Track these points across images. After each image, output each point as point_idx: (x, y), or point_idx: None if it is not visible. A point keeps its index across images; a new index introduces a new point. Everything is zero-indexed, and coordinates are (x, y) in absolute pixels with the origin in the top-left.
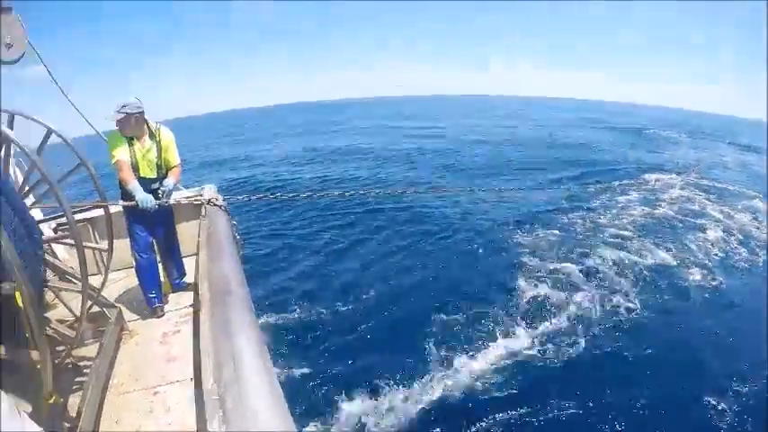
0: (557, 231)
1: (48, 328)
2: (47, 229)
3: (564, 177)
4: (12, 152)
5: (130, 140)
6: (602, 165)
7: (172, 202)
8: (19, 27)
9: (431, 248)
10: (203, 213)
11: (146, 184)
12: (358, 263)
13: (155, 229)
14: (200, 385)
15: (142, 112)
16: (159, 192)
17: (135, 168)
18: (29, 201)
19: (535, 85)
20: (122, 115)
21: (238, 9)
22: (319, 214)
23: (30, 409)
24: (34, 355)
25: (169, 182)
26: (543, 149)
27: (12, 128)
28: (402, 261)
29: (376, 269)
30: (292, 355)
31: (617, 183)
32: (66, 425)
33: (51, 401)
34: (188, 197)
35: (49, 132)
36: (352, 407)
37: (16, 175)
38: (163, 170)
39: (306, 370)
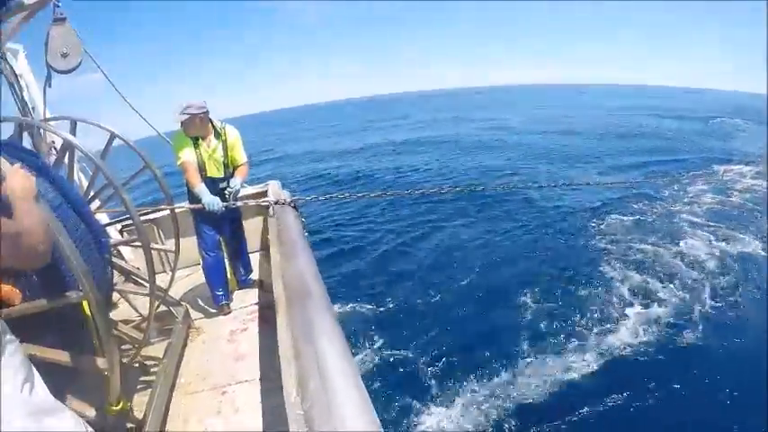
0: (633, 219)
1: (114, 330)
2: (113, 232)
3: (633, 166)
4: (75, 158)
5: (195, 141)
6: (671, 154)
7: (239, 204)
8: (74, 36)
9: (511, 241)
10: (271, 212)
11: (213, 183)
12: (433, 257)
13: (222, 227)
14: (269, 385)
15: (206, 112)
16: (226, 193)
17: (202, 168)
18: (94, 205)
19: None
20: (186, 116)
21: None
22: (388, 208)
23: (93, 414)
24: (100, 362)
25: (236, 182)
26: (613, 140)
27: (74, 134)
28: (482, 253)
29: (455, 261)
30: (369, 351)
31: (686, 173)
32: (132, 425)
33: (119, 408)
34: (254, 194)
35: (113, 137)
36: (435, 408)
37: (81, 180)
38: (230, 169)
39: (383, 365)
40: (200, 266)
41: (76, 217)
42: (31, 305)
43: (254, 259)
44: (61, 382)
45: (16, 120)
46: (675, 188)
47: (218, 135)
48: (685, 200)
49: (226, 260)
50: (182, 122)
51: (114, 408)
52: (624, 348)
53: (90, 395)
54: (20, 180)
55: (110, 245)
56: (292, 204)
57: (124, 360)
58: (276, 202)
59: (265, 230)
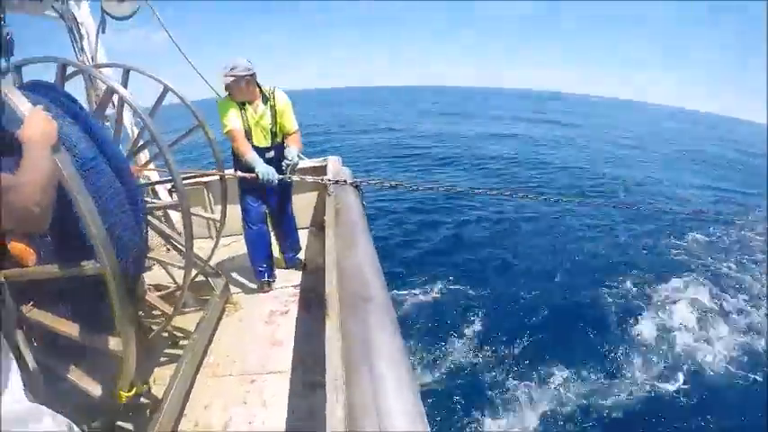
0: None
1: (145, 297)
2: (163, 193)
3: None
4: (125, 110)
5: (242, 106)
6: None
7: (296, 179)
8: None
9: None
10: (331, 190)
11: (259, 152)
12: (501, 257)
13: (269, 199)
14: (303, 380)
15: (253, 75)
16: (283, 164)
17: (248, 136)
18: (143, 158)
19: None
20: (231, 78)
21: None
22: (447, 205)
23: (99, 392)
24: (113, 343)
25: (292, 152)
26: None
27: (126, 84)
28: (551, 261)
29: (519, 266)
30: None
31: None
32: (148, 401)
33: (131, 394)
34: (311, 168)
35: (166, 90)
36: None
37: (133, 132)
38: (278, 138)
39: (440, 373)
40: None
41: (111, 174)
42: (40, 270)
43: (302, 236)
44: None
45: (57, 60)
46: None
47: (265, 100)
48: None
49: (272, 235)
50: (226, 86)
51: (126, 394)
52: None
53: (102, 368)
54: (38, 123)
55: (145, 207)
56: (354, 185)
57: (153, 328)
58: (337, 181)
59: (319, 208)
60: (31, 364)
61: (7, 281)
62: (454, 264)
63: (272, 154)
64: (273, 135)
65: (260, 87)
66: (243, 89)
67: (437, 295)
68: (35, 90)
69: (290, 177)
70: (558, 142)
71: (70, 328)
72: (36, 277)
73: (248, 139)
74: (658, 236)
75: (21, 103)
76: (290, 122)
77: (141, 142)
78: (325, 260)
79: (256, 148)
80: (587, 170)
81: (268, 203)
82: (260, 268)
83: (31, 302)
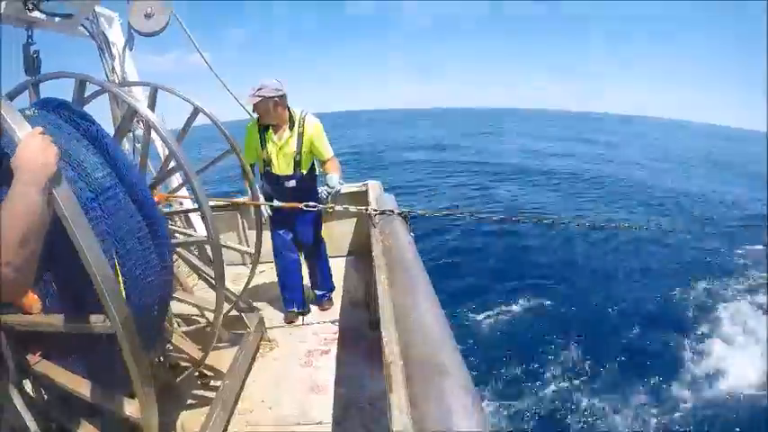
0: None
1: (168, 343)
2: (197, 219)
3: None
4: (151, 132)
5: (266, 129)
6: None
7: (339, 208)
8: None
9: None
10: (376, 221)
11: (278, 181)
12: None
13: (296, 227)
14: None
15: (283, 96)
16: (324, 192)
17: (267, 164)
18: (176, 181)
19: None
20: (258, 99)
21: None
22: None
23: None
24: (130, 408)
25: (334, 179)
26: None
27: (154, 104)
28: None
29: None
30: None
31: None
32: None
33: None
34: (351, 194)
35: (196, 111)
36: None
37: (163, 155)
38: (302, 167)
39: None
40: None
41: (131, 205)
42: (43, 321)
43: (338, 264)
44: None
45: (74, 75)
46: None
47: (293, 126)
48: None
49: (303, 263)
50: (254, 106)
51: None
52: None
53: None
54: (32, 150)
55: (170, 246)
56: (403, 215)
57: (181, 363)
58: (383, 212)
59: (358, 235)
60: (33, 427)
61: (5, 327)
62: (511, 288)
63: (292, 183)
64: (297, 164)
65: (290, 111)
66: (270, 111)
67: (495, 320)
68: (44, 108)
69: (332, 207)
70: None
71: (81, 386)
72: (38, 328)
73: (268, 167)
74: None
75: (17, 124)
76: (323, 149)
77: (171, 165)
78: (377, 307)
79: (276, 176)
80: None
81: (295, 232)
82: (288, 297)
83: (39, 352)
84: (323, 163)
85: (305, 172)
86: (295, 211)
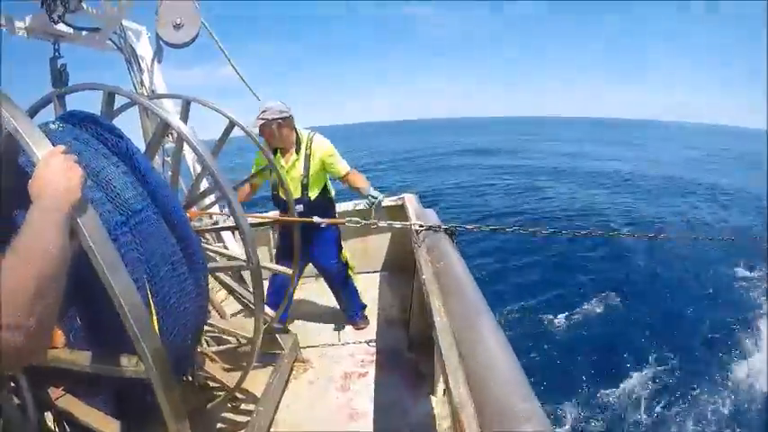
0: None
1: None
2: (229, 237)
3: None
4: (184, 147)
5: (275, 153)
6: None
7: (383, 224)
8: (191, 5)
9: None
10: (421, 238)
11: (285, 204)
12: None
13: (311, 248)
14: None
15: (288, 118)
16: (367, 203)
17: (274, 188)
18: (208, 199)
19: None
20: (261, 121)
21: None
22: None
23: None
24: None
25: (370, 190)
26: None
27: (187, 117)
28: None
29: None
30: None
31: None
32: None
33: None
34: (386, 208)
35: (232, 125)
36: None
37: (195, 170)
38: (309, 190)
39: None
40: (314, 277)
41: (165, 228)
42: (67, 358)
43: (372, 280)
44: None
45: (104, 87)
46: None
47: (300, 148)
48: None
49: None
50: (260, 130)
51: None
52: None
53: None
54: (54, 174)
55: (207, 270)
56: (449, 232)
57: (210, 383)
58: (430, 227)
59: (394, 250)
60: None
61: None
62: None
63: (299, 207)
64: (304, 187)
65: (297, 132)
66: (274, 134)
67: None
68: (68, 121)
69: (375, 222)
70: None
71: (106, 425)
72: (60, 365)
73: (275, 190)
74: None
75: (35, 141)
76: (338, 166)
77: (203, 180)
78: (438, 344)
79: (284, 201)
80: None
81: (313, 257)
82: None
83: (62, 387)
84: (344, 180)
85: (313, 197)
86: (310, 233)
